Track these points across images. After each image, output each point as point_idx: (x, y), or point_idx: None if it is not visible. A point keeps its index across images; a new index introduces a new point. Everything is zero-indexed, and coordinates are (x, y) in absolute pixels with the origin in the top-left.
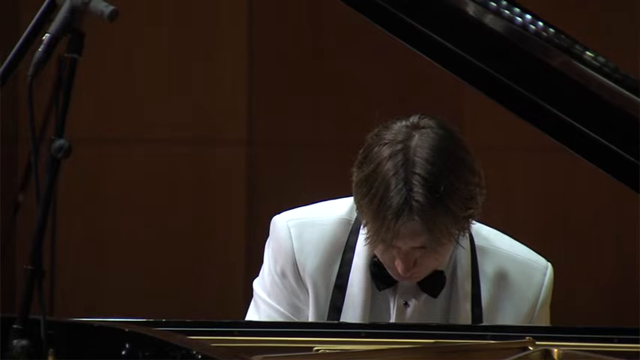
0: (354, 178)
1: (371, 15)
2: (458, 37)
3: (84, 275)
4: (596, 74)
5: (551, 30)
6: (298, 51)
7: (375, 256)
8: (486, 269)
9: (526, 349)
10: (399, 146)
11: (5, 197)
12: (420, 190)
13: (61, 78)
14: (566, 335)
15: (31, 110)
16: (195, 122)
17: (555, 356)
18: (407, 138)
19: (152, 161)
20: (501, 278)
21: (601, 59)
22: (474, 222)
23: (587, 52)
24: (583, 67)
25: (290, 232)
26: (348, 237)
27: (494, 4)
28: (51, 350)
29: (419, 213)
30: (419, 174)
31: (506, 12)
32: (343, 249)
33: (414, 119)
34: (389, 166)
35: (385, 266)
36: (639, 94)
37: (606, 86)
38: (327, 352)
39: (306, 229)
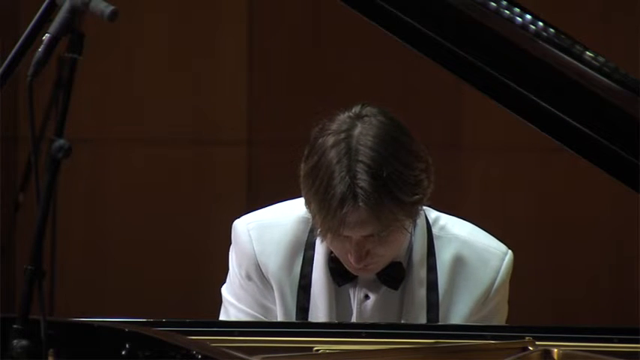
0: (301, 172)
1: (371, 15)
2: (457, 37)
3: (84, 275)
4: (596, 74)
5: (551, 30)
6: (298, 51)
7: (332, 252)
8: (444, 257)
9: (526, 349)
10: (342, 135)
11: (5, 197)
12: (364, 177)
13: (61, 78)
14: (566, 335)
15: (31, 110)
16: (195, 122)
17: (555, 356)
18: (350, 127)
19: (152, 161)
20: (458, 263)
21: (601, 59)
22: (430, 210)
23: (587, 52)
24: (583, 67)
25: (250, 236)
26: (308, 235)
27: (494, 4)
28: (51, 350)
29: (364, 199)
30: (362, 161)
31: (506, 12)
32: (304, 247)
33: (356, 109)
34: (332, 155)
35: (341, 260)
36: (639, 94)
37: (606, 86)
38: (327, 352)
39: (266, 230)
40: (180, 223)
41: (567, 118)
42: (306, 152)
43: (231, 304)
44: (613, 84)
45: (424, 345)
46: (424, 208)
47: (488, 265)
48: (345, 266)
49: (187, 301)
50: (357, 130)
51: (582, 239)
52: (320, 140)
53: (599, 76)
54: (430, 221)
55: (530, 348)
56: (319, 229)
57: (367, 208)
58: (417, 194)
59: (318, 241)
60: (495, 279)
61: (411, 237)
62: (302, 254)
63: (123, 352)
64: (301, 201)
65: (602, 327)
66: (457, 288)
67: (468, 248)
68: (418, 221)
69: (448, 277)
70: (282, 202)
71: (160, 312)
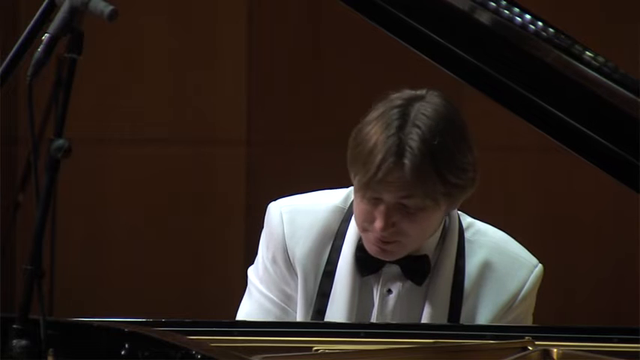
0: (351, 135)
1: (370, 15)
2: (457, 37)
3: (84, 275)
4: (595, 74)
5: (551, 30)
6: (298, 51)
7: (360, 240)
8: (473, 261)
9: (525, 349)
10: (402, 102)
11: (5, 197)
12: (415, 138)
13: (61, 78)
14: (565, 335)
15: (30, 110)
16: (195, 122)
17: (555, 356)
18: (412, 98)
19: (152, 161)
20: (486, 269)
21: (600, 59)
22: (465, 216)
23: (587, 52)
24: (582, 67)
25: (282, 218)
26: (340, 224)
27: (493, 4)
28: (50, 350)
29: (410, 158)
30: (417, 125)
31: (506, 12)
32: (334, 236)
33: (421, 91)
34: (388, 115)
35: (364, 230)
36: (639, 94)
37: (606, 86)
38: (327, 352)
39: (299, 215)
40: (179, 223)
41: (567, 118)
42: (362, 119)
43: (254, 286)
44: (613, 84)
45: (424, 345)
46: (459, 213)
47: (516, 274)
48: (367, 244)
49: (187, 300)
50: (418, 103)
51: (582, 239)
52: (379, 104)
53: (598, 76)
54: (464, 225)
55: (530, 348)
56: (358, 184)
57: (411, 166)
58: (459, 178)
59: (348, 231)
60: (521, 289)
61: (443, 237)
62: (331, 243)
63: (122, 352)
64: (338, 191)
65: (601, 327)
66: (482, 293)
67: (498, 255)
68: (451, 223)
69: (475, 281)
70: (320, 191)
71: (159, 311)
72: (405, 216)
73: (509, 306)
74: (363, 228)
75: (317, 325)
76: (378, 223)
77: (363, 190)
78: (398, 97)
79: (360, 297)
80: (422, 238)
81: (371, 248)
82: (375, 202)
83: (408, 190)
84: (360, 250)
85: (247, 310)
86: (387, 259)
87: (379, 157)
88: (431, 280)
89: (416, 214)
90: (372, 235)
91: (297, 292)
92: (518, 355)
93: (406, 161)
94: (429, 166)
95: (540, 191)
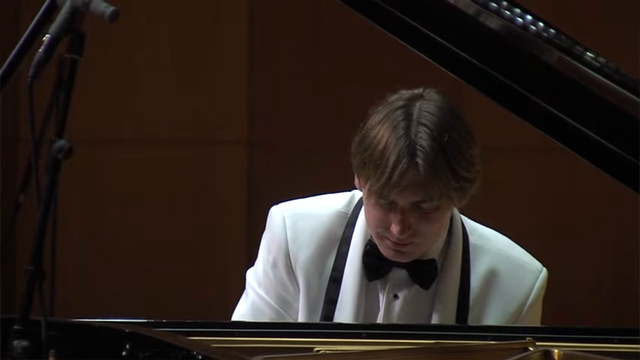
0: (355, 141)
1: (371, 15)
2: (458, 38)
3: (84, 276)
4: (596, 75)
5: (552, 30)
6: (298, 51)
7: (367, 244)
8: (479, 266)
9: (526, 349)
10: (403, 103)
11: (5, 197)
12: (425, 137)
13: (62, 79)
14: (566, 336)
15: (31, 111)
16: (195, 123)
17: (556, 357)
18: (412, 98)
19: (152, 162)
20: (492, 276)
21: (601, 60)
22: (468, 220)
23: (588, 53)
24: (583, 67)
25: (285, 222)
26: (344, 230)
27: (494, 5)
28: (51, 351)
29: (422, 158)
30: (424, 124)
31: (507, 12)
32: (339, 242)
33: (418, 89)
34: (393, 118)
35: (380, 237)
36: (639, 95)
37: (606, 87)
38: (328, 353)
39: (302, 219)
40: (180, 224)
41: (567, 119)
42: (362, 124)
43: (252, 288)
44: (613, 85)
45: (424, 345)
46: (462, 217)
47: (522, 281)
48: (383, 249)
49: (187, 300)
50: (419, 102)
51: (582, 239)
52: (380, 108)
53: (599, 76)
54: (467, 229)
55: (531, 349)
56: (369, 192)
57: (425, 166)
58: (469, 172)
59: (354, 236)
60: (528, 297)
61: (448, 241)
62: (336, 248)
63: (123, 353)
64: (340, 195)
65: (602, 327)
66: (488, 301)
67: (503, 262)
68: (455, 228)
69: (480, 289)
70: (323, 195)
71: (160, 311)
72: (420, 217)
73: (517, 315)
74: (377, 234)
75: (318, 325)
76: (395, 228)
77: (376, 196)
78: (397, 98)
79: (366, 301)
80: (437, 236)
81: (387, 252)
82: (390, 206)
83: (422, 191)
84: (367, 254)
85: (243, 313)
86: (403, 261)
87: (392, 159)
88: (438, 284)
89: (431, 214)
90: (389, 239)
91: (295, 298)
92: (520, 355)
93: (419, 160)
94: (443, 163)
95: (540, 191)
